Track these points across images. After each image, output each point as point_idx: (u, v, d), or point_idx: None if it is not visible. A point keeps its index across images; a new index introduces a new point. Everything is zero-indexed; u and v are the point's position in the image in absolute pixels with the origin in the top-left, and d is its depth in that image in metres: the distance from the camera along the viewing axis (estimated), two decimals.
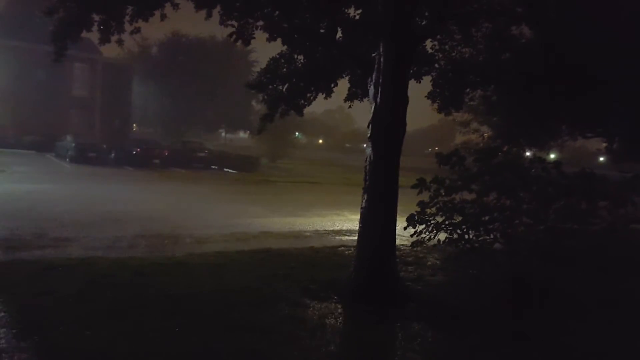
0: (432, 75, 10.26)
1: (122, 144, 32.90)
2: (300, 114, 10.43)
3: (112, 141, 33.05)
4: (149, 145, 32.80)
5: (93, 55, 37.34)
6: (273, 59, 9.79)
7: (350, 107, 10.84)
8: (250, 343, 5.34)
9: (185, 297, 6.67)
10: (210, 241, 10.58)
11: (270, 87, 10.01)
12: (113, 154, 30.56)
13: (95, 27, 8.23)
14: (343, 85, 10.40)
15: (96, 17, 8.15)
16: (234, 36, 8.69)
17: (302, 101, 10.09)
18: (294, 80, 9.83)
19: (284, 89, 9.96)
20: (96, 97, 40.25)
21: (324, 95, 10.20)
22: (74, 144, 29.39)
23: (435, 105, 10.90)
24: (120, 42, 8.64)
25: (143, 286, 6.97)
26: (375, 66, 7.22)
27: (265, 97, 10.16)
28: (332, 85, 10.11)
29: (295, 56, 9.80)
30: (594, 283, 8.28)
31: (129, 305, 6.16)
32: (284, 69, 9.87)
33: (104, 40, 8.35)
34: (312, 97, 10.08)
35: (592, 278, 8.31)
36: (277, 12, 8.70)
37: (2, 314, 5.62)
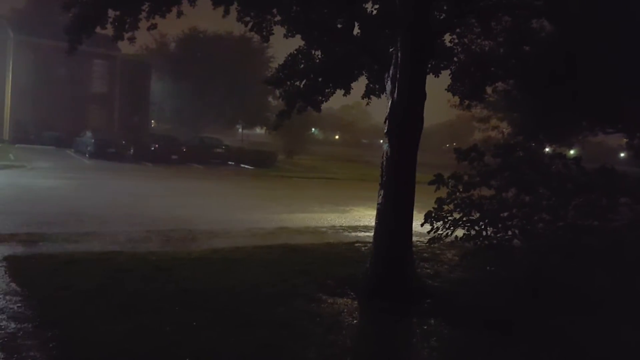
0: (451, 69, 10.14)
1: (141, 140, 33.14)
2: (318, 110, 10.38)
3: (131, 137, 33.26)
4: (167, 141, 33.00)
5: (112, 52, 37.57)
6: (290, 55, 9.75)
7: (368, 104, 10.77)
8: (266, 337, 5.36)
9: (203, 291, 6.71)
10: (228, 236, 10.62)
11: (288, 83, 9.97)
12: (132, 150, 30.83)
13: (109, 24, 8.26)
14: (361, 81, 10.33)
15: (111, 14, 8.18)
16: (254, 27, 8.70)
17: (320, 97, 10.04)
18: (312, 76, 9.79)
19: (301, 85, 9.93)
20: (115, 93, 40.51)
21: (343, 91, 10.14)
22: (93, 140, 29.68)
23: (456, 98, 10.80)
24: (132, 39, 8.67)
25: (161, 281, 7.04)
26: (393, 61, 7.16)
27: (282, 93, 10.13)
28: (351, 81, 10.05)
29: (313, 52, 9.75)
30: (614, 280, 8.14)
31: (147, 300, 6.23)
32: (301, 65, 9.83)
33: (118, 37, 8.39)
34: (330, 93, 10.02)
35: (612, 275, 8.17)
36: (294, 8, 8.68)
37: (23, 307, 5.70)
